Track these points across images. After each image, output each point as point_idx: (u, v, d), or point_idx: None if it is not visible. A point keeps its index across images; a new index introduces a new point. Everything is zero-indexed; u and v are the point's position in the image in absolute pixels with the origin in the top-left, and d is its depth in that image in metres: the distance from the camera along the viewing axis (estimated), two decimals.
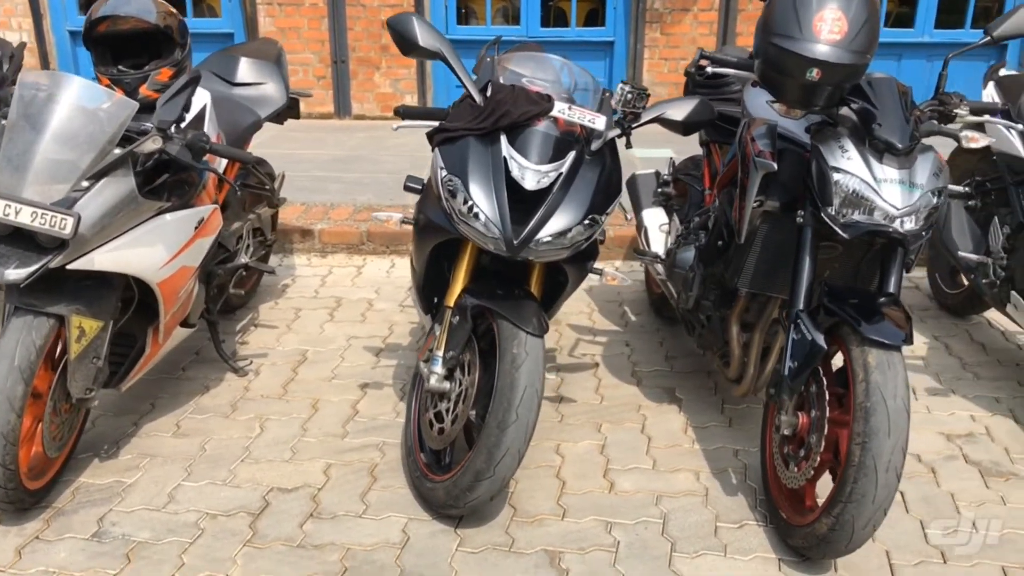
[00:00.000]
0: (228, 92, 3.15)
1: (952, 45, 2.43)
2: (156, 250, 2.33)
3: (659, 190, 3.27)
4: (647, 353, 3.31)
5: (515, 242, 2.10)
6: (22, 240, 2.10)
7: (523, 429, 2.08)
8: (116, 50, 2.61)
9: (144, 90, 2.54)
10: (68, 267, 2.11)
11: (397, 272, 4.15)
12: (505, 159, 2.15)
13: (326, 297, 3.84)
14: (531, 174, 2.14)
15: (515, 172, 2.13)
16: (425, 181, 2.59)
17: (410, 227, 2.57)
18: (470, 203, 2.11)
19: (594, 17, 7.36)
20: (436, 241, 2.34)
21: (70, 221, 2.02)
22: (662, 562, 2.16)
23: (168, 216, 2.38)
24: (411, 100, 7.10)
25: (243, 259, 3.15)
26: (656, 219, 3.22)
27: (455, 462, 2.33)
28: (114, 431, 2.71)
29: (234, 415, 2.83)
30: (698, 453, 2.65)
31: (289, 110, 3.42)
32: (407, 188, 2.63)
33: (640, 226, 3.28)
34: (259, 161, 3.03)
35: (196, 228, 2.51)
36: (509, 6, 7.46)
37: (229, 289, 3.19)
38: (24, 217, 2.01)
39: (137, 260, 2.27)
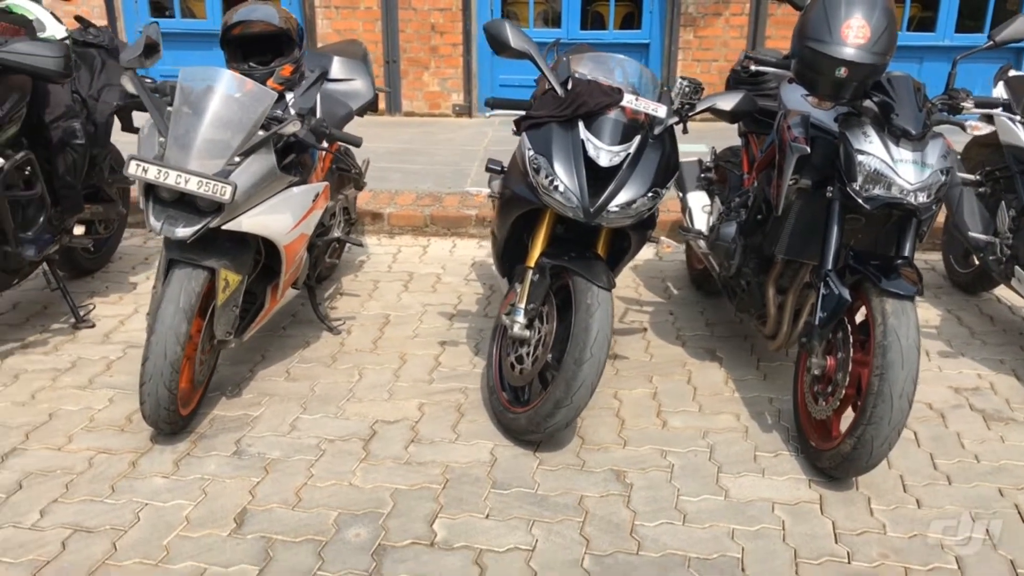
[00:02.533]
0: (326, 87, 3.59)
1: (970, 49, 2.84)
2: (285, 217, 2.79)
3: (702, 175, 3.69)
4: (689, 320, 3.74)
5: (591, 210, 2.53)
6: (185, 205, 2.56)
7: (596, 365, 2.51)
8: (245, 50, 3.08)
9: (270, 83, 3.00)
10: (222, 228, 2.57)
11: (459, 251, 4.60)
12: (583, 141, 2.58)
13: (399, 272, 4.29)
14: (604, 154, 2.57)
15: (591, 152, 2.57)
16: (506, 162, 3.03)
17: (481, 202, 3.00)
18: (553, 178, 2.54)
19: (629, 20, 7.79)
20: (519, 212, 2.78)
21: (229, 189, 2.48)
22: (710, 480, 2.58)
23: (295, 189, 2.83)
24: (458, 98, 7.55)
25: (336, 233, 3.61)
26: (699, 201, 3.64)
27: (533, 397, 2.76)
28: (234, 375, 3.17)
29: (335, 365, 3.28)
30: (738, 400, 3.06)
31: (372, 104, 3.87)
32: (488, 169, 3.07)
33: (685, 207, 3.69)
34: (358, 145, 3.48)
35: (313, 201, 2.97)
36: (549, 10, 7.90)
37: (324, 259, 3.64)
38: (192, 185, 2.47)
39: (272, 224, 2.73)
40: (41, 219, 3.25)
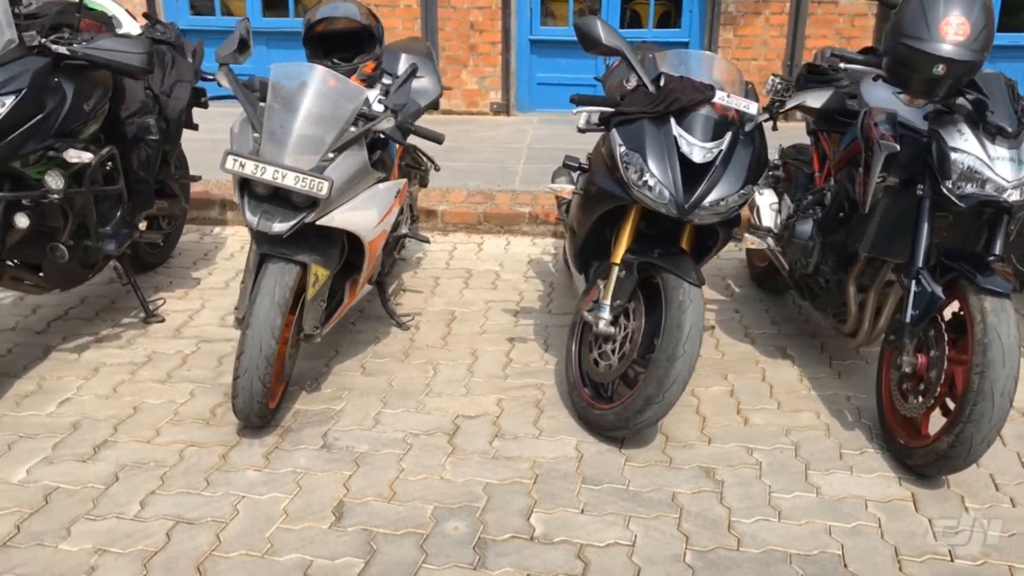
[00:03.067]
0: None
1: None
2: (371, 213, 2.80)
3: (769, 173, 3.68)
4: (755, 318, 3.73)
5: (685, 206, 2.53)
6: (279, 200, 2.58)
7: (689, 361, 2.52)
8: (326, 47, 3.10)
9: (354, 79, 3.02)
10: (316, 223, 2.59)
11: (514, 248, 4.61)
12: (675, 138, 2.58)
13: (457, 268, 4.30)
14: (698, 150, 2.57)
15: (684, 148, 2.57)
16: (583, 159, 3.04)
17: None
18: (647, 174, 2.55)
19: (666, 19, 7.78)
20: (605, 208, 2.78)
21: (326, 184, 2.49)
22: (799, 477, 2.58)
23: (380, 185, 2.85)
24: (495, 96, 7.56)
25: (404, 229, 3.62)
26: (767, 199, 3.63)
27: (617, 394, 2.77)
28: (311, 371, 3.19)
29: (408, 360, 3.30)
30: (815, 398, 3.06)
31: (437, 101, 3.88)
32: (566, 166, 3.08)
33: (752, 206, 3.69)
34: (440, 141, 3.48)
35: (395, 198, 2.98)
36: (586, 8, 7.89)
37: (392, 255, 3.66)
38: (289, 180, 2.48)
39: (360, 220, 2.75)
40: (118, 214, 3.28)
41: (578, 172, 3.05)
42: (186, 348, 3.37)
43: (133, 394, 3.01)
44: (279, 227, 2.52)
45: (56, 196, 2.78)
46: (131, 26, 3.43)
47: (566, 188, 3.06)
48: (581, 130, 3.31)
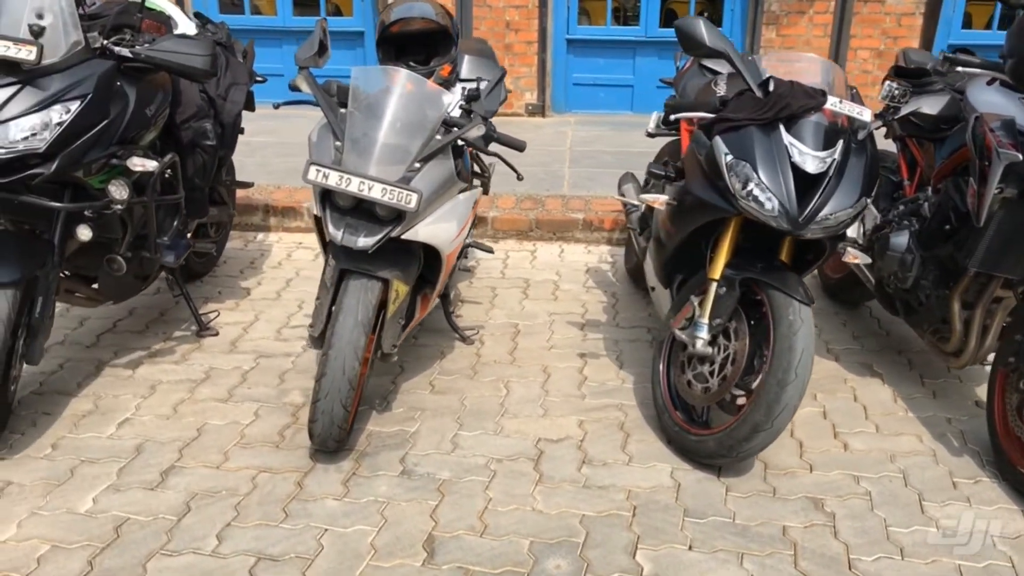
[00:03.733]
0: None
1: None
2: (452, 225, 2.65)
3: None
4: (834, 332, 3.57)
5: (800, 219, 2.37)
6: (362, 213, 2.42)
7: (800, 387, 2.35)
8: (399, 49, 2.94)
9: (430, 83, 2.85)
10: (401, 237, 2.43)
11: (568, 256, 4.45)
12: (787, 146, 2.42)
13: (513, 278, 4.14)
14: (811, 160, 2.40)
15: (796, 158, 2.40)
16: (671, 168, 2.87)
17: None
18: (755, 184, 2.38)
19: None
20: (704, 220, 2.62)
21: (415, 197, 2.33)
22: (914, 508, 2.42)
23: (460, 196, 2.69)
24: (531, 97, 7.39)
25: (469, 239, 3.46)
26: None
27: (712, 419, 2.61)
28: (379, 389, 3.03)
29: (477, 377, 3.14)
30: (913, 420, 2.89)
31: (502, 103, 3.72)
32: (651, 174, 2.92)
33: None
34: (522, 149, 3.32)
35: (472, 208, 2.82)
36: (621, 8, 7.73)
37: (457, 266, 3.50)
38: (376, 192, 2.33)
39: (441, 233, 2.59)
40: (175, 223, 3.13)
41: (662, 181, 2.88)
42: (244, 364, 3.22)
43: (195, 414, 2.86)
44: (364, 242, 2.37)
45: (120, 207, 2.63)
46: (187, 26, 3.27)
47: (660, 198, 2.87)
48: (651, 134, 3.15)
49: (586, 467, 2.60)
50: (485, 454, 2.65)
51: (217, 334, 3.44)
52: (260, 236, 4.67)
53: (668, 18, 7.52)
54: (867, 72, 7.13)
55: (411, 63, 2.92)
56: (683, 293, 2.79)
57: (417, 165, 2.42)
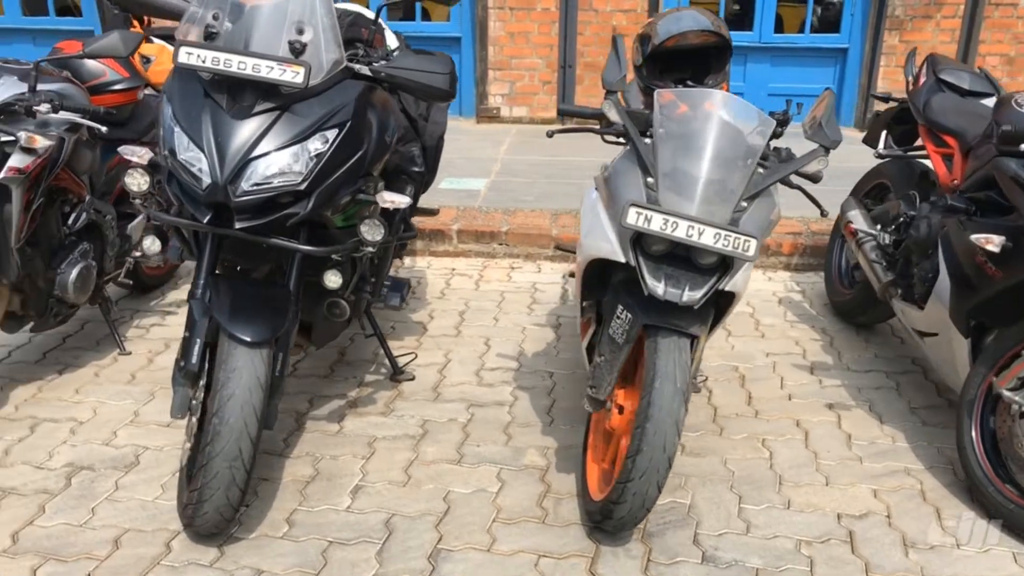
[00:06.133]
0: None
1: None
2: (750, 268, 2.29)
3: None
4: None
5: None
6: (676, 260, 2.07)
7: None
8: (663, 66, 2.59)
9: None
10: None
11: (752, 284, 4.08)
12: None
13: None
14: None
15: None
16: (962, 198, 2.52)
17: None
18: None
19: (803, 23, 7.18)
20: None
21: (753, 243, 1.98)
22: None
23: None
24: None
25: None
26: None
27: None
28: None
29: (726, 434, 2.79)
30: None
31: None
32: (950, 208, 2.57)
33: None
34: None
35: None
36: (729, 11, 7.35)
37: None
38: (707, 238, 1.97)
39: (746, 279, 2.23)
40: (390, 260, 2.79)
41: (959, 215, 2.52)
42: (458, 415, 2.87)
43: (432, 480, 2.51)
44: (689, 296, 2.02)
45: (371, 249, 2.29)
46: (392, 40, 2.92)
47: (993, 238, 2.48)
48: (881, 156, 2.85)
49: (913, 552, 2.24)
50: (787, 535, 2.30)
51: (413, 378, 3.10)
52: (408, 261, 4.33)
53: (778, 24, 7.16)
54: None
55: (688, 82, 2.57)
56: (1000, 344, 2.43)
57: (744, 204, 2.07)
